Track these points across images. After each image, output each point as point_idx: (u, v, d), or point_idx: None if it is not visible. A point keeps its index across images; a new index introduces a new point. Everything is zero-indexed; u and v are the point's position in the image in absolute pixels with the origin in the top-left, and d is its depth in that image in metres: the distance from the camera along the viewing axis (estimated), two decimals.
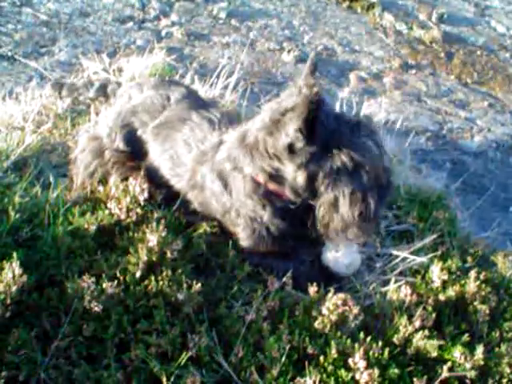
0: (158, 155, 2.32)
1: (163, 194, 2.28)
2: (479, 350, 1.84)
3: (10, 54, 3.71)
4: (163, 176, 2.30)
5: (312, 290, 1.94)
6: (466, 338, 1.92)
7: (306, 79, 1.90)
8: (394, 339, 1.86)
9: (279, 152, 1.90)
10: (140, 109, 2.41)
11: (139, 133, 2.38)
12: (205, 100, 2.64)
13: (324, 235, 2.04)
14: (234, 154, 2.05)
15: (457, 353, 1.83)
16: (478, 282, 2.10)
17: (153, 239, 1.90)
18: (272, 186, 2.00)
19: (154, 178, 2.31)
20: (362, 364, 1.68)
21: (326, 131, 1.84)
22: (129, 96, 2.54)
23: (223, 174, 2.09)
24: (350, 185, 1.87)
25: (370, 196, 1.89)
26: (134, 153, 2.39)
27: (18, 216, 1.91)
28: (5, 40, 3.84)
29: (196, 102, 2.45)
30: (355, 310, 1.85)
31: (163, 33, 4.42)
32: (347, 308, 1.85)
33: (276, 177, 1.97)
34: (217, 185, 2.10)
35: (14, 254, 1.70)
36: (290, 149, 1.87)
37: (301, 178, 1.92)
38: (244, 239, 2.12)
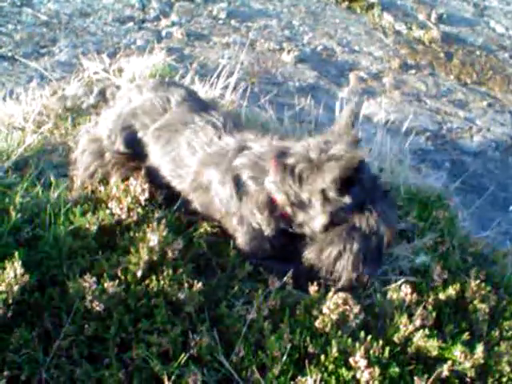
0: (159, 157, 2.32)
1: (164, 195, 2.29)
2: (479, 348, 1.85)
3: (10, 54, 3.71)
4: (164, 177, 2.30)
5: (313, 289, 1.95)
6: (466, 336, 1.93)
7: (351, 134, 1.99)
8: (395, 338, 1.87)
9: (314, 191, 1.93)
10: (140, 111, 2.41)
11: (140, 135, 2.38)
12: (204, 101, 2.65)
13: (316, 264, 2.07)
14: (261, 165, 2.06)
15: (457, 351, 1.84)
16: (477, 281, 2.12)
17: (154, 239, 1.90)
18: (286, 210, 2.02)
19: (155, 179, 2.32)
20: (362, 363, 1.69)
21: (362, 191, 1.92)
22: (128, 98, 2.54)
23: (238, 178, 2.09)
24: (359, 244, 1.94)
25: (370, 258, 1.98)
26: (134, 154, 2.39)
27: (19, 216, 1.92)
28: (5, 40, 3.84)
29: (196, 104, 2.45)
30: (356, 310, 1.86)
31: (163, 33, 4.42)
32: (348, 307, 1.86)
33: (294, 205, 1.99)
34: (228, 188, 2.10)
35: (16, 254, 1.71)
36: (324, 194, 1.91)
37: (319, 221, 1.96)
38: (243, 244, 2.13)
